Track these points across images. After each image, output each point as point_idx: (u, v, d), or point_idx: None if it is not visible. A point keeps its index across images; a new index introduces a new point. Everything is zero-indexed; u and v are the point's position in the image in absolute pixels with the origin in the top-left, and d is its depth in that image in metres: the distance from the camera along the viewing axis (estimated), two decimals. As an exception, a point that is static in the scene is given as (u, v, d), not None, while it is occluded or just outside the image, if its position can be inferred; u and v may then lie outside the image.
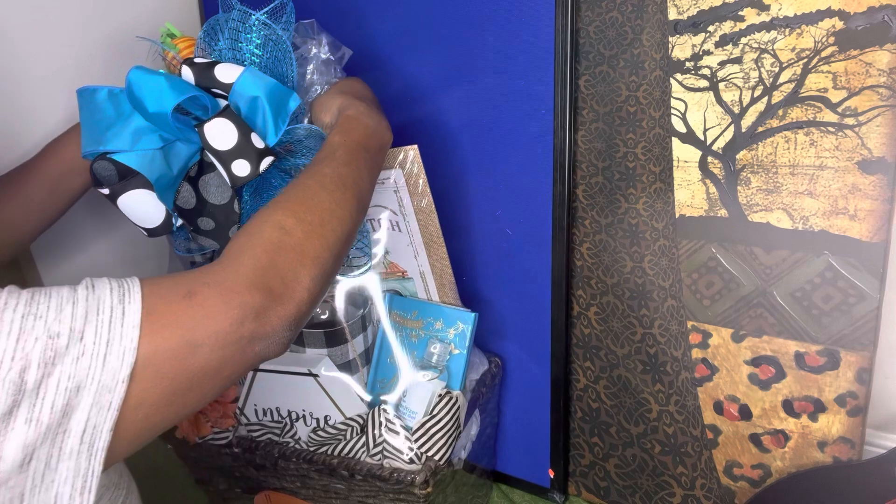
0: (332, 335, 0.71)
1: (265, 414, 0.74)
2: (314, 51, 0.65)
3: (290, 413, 0.73)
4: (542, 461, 0.87)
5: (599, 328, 0.79)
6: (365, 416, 0.70)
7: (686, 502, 0.79)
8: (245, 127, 0.59)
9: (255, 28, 0.60)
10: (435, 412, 0.68)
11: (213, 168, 0.61)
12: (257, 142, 0.59)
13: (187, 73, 0.59)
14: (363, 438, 0.69)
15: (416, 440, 0.67)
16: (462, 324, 0.73)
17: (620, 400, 0.80)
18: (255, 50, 0.61)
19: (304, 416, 0.72)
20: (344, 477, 0.69)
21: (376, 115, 0.60)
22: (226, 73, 0.59)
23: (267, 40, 0.61)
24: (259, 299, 0.41)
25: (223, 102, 0.59)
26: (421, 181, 0.70)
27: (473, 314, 0.73)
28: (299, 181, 0.51)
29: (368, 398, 0.73)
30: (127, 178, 0.59)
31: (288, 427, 0.73)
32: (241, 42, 0.61)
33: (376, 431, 0.68)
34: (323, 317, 0.73)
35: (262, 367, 0.71)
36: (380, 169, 0.60)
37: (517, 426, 0.88)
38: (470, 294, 0.84)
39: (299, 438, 0.73)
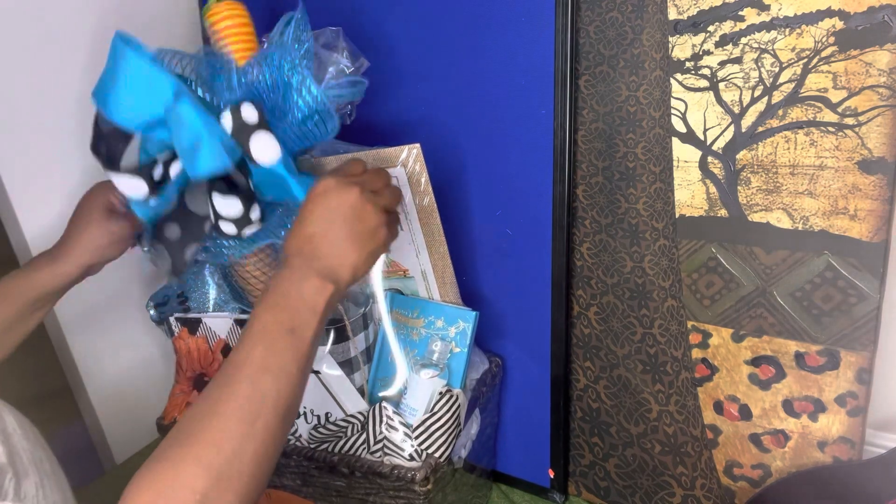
0: (333, 332, 0.72)
1: None
2: (330, 69, 0.65)
3: None
4: (542, 461, 0.87)
5: (599, 328, 0.79)
6: (366, 414, 0.70)
7: (686, 502, 0.79)
8: (251, 199, 0.60)
9: (307, 93, 0.60)
10: (436, 410, 0.68)
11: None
12: (254, 213, 0.61)
13: (227, 122, 0.58)
14: (364, 435, 0.69)
15: (417, 437, 0.67)
16: (463, 322, 0.73)
17: (620, 400, 0.80)
18: (297, 112, 0.61)
19: (304, 414, 0.72)
20: (344, 474, 0.69)
21: (313, 277, 0.51)
22: (261, 151, 0.58)
23: (313, 112, 0.61)
24: None
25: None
26: (423, 180, 0.70)
27: (474, 313, 0.73)
28: (216, 405, 0.45)
29: (369, 396, 0.73)
30: (126, 144, 0.60)
31: None
32: (289, 99, 0.61)
33: (377, 428, 0.68)
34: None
35: None
36: (317, 339, 0.51)
37: (517, 426, 0.89)
38: (470, 294, 0.84)
39: (300, 436, 0.73)
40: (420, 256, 0.75)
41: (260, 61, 0.61)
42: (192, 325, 0.76)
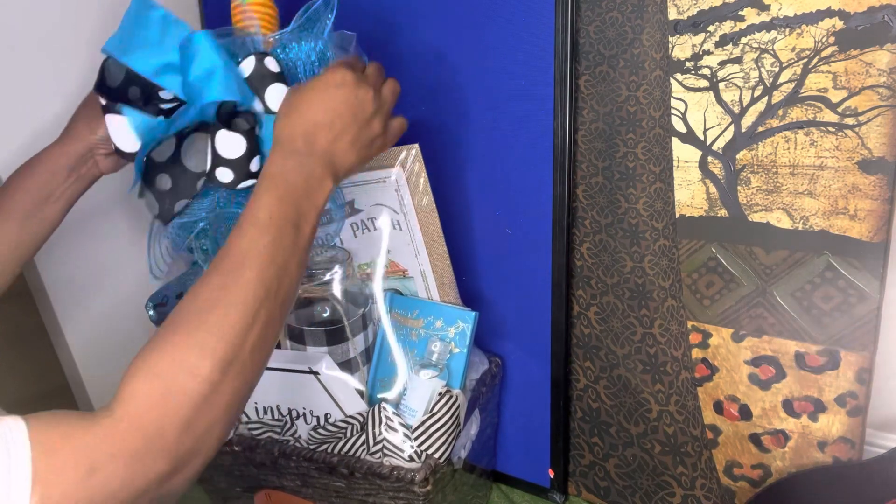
0: (332, 333, 0.72)
1: (266, 412, 0.74)
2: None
3: (290, 411, 0.73)
4: (542, 461, 0.87)
5: (599, 328, 0.79)
6: (365, 415, 0.70)
7: (686, 502, 0.79)
8: (254, 147, 0.60)
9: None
10: (435, 410, 0.68)
11: (205, 133, 0.61)
12: (254, 165, 0.60)
13: (248, 65, 0.59)
14: (363, 436, 0.69)
15: (416, 438, 0.67)
16: (462, 323, 0.73)
17: (620, 400, 0.80)
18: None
19: (304, 414, 0.72)
20: (344, 475, 0.69)
21: (317, 167, 0.51)
22: (276, 99, 0.59)
23: None
24: (169, 467, 0.39)
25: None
26: (422, 180, 0.70)
27: (474, 313, 0.73)
28: (220, 293, 0.44)
29: (368, 397, 0.73)
30: (128, 89, 0.61)
31: (288, 425, 0.73)
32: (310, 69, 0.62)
33: (376, 429, 0.68)
34: (324, 315, 0.73)
35: None
36: (314, 234, 0.51)
37: (517, 426, 0.89)
38: (470, 294, 0.84)
39: (300, 437, 0.73)
40: (419, 257, 0.75)
41: (293, 39, 0.61)
42: None
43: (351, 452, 0.69)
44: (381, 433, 0.68)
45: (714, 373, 0.73)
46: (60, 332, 0.88)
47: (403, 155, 0.70)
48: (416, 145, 0.69)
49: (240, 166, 0.59)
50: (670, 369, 0.75)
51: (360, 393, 0.72)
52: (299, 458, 0.71)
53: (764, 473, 0.73)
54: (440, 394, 0.70)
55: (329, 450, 0.70)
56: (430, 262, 0.75)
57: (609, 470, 0.84)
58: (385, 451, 0.68)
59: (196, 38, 0.56)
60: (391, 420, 0.68)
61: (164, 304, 0.77)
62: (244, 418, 0.75)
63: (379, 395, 0.74)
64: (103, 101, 0.61)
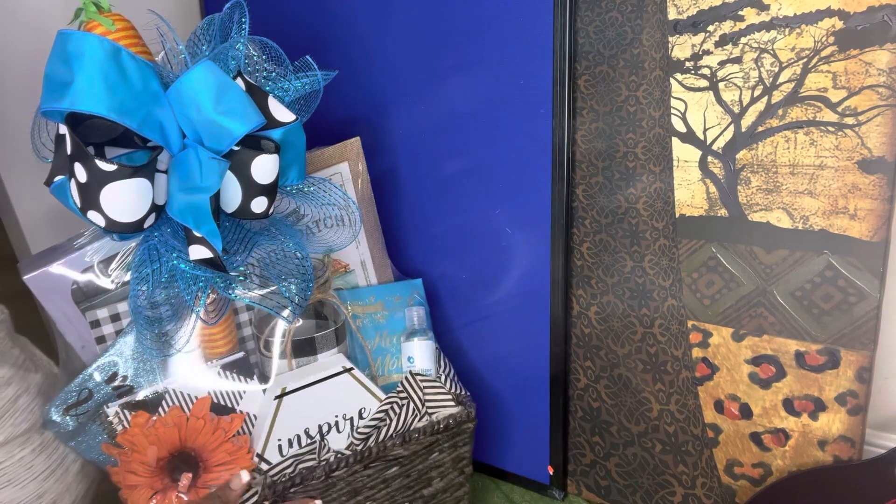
0: (340, 331, 0.73)
1: (291, 444, 0.68)
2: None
3: (320, 428, 0.69)
4: (542, 459, 0.88)
5: (600, 327, 0.79)
6: (402, 388, 0.73)
7: (687, 501, 0.79)
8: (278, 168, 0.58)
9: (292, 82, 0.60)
10: (442, 364, 0.77)
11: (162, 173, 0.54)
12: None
13: (240, 84, 0.55)
14: (410, 405, 0.72)
15: (449, 385, 0.75)
16: (415, 290, 0.81)
17: (621, 399, 0.80)
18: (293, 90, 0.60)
19: (336, 423, 0.70)
20: (400, 455, 0.71)
21: None
22: (280, 111, 0.57)
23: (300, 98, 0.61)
24: None
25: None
26: (363, 171, 0.74)
27: (419, 279, 0.82)
28: None
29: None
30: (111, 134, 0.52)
31: (320, 444, 0.69)
32: (276, 83, 0.60)
33: (419, 394, 0.73)
34: (327, 317, 0.74)
35: (289, 388, 0.67)
36: None
37: (517, 425, 0.89)
38: (469, 293, 0.84)
39: (328, 449, 0.69)
40: (360, 247, 0.79)
41: (229, 51, 0.56)
42: (152, 405, 0.63)
43: (403, 428, 0.71)
44: (426, 394, 0.73)
45: (714, 372, 0.73)
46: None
47: (346, 149, 0.72)
48: (357, 138, 0.70)
49: (273, 190, 0.56)
50: (671, 368, 0.75)
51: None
52: (351, 463, 0.67)
53: (764, 472, 0.73)
54: (436, 349, 0.78)
55: (379, 438, 0.70)
56: (370, 250, 0.80)
57: (610, 469, 0.84)
58: (430, 409, 0.73)
59: (206, 70, 0.50)
60: (426, 380, 0.74)
61: (84, 401, 0.62)
62: (264, 467, 0.66)
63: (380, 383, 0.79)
64: (84, 179, 0.49)
